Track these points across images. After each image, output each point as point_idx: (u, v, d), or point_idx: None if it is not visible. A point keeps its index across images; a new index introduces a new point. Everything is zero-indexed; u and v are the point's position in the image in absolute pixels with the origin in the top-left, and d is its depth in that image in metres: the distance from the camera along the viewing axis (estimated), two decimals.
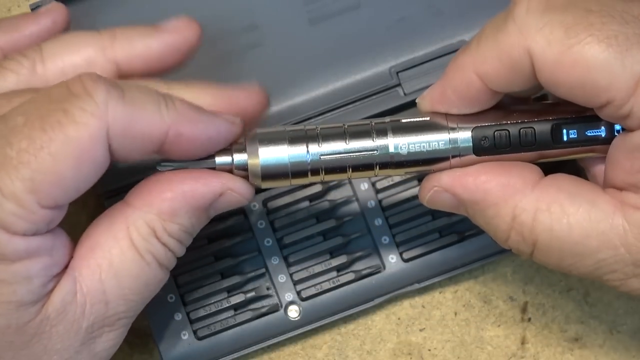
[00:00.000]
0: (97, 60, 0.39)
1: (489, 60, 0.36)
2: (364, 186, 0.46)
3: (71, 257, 0.37)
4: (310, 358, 0.46)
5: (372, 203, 0.46)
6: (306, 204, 0.46)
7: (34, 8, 0.46)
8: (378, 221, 0.46)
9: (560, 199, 0.36)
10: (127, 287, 0.37)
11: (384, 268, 0.46)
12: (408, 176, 0.45)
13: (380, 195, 0.46)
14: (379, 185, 0.46)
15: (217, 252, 0.45)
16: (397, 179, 0.46)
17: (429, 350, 0.46)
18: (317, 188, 0.46)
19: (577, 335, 0.46)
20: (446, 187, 0.38)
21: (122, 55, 0.40)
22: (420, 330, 0.46)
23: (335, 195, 0.46)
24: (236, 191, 0.38)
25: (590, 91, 0.34)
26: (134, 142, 0.36)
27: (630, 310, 0.46)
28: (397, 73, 0.47)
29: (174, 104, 0.37)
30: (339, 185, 0.46)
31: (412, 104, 0.46)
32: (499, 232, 0.37)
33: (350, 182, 0.46)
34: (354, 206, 0.46)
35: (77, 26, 0.46)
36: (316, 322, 0.45)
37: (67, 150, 0.34)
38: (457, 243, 0.46)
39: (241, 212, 0.46)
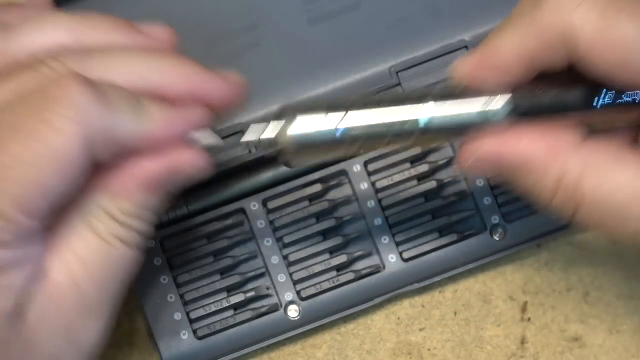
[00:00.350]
0: (66, 42, 0.38)
1: (527, 38, 0.36)
2: (364, 186, 0.46)
3: None
4: (310, 358, 0.46)
5: (372, 203, 0.46)
6: (306, 204, 0.46)
7: None
8: (378, 221, 0.46)
9: (607, 161, 0.36)
10: (98, 276, 0.36)
11: (384, 268, 0.46)
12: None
13: (380, 195, 0.46)
14: (378, 185, 0.46)
15: (217, 252, 0.45)
16: (397, 178, 0.46)
17: (429, 350, 0.46)
18: (317, 188, 0.46)
19: (577, 335, 0.46)
20: (489, 153, 0.37)
21: (89, 41, 0.38)
22: (420, 330, 0.46)
23: (335, 195, 0.46)
24: (186, 165, 0.37)
25: (626, 69, 0.34)
26: (114, 145, 0.36)
27: (630, 310, 0.46)
28: (397, 73, 0.47)
29: (153, 112, 0.36)
30: (339, 185, 0.46)
31: None
32: (544, 193, 0.36)
33: (350, 182, 0.46)
34: (354, 206, 0.46)
35: None
36: (316, 322, 0.45)
37: (47, 159, 0.34)
38: (457, 243, 0.46)
39: (241, 211, 0.46)
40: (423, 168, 0.46)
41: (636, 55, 0.34)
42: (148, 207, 0.37)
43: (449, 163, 0.46)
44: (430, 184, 0.46)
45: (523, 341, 0.46)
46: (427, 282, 0.46)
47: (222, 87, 0.39)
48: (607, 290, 0.46)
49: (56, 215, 0.36)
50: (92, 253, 0.36)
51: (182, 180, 0.38)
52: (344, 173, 0.46)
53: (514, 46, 0.36)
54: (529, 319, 0.46)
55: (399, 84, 0.47)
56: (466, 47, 0.47)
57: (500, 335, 0.46)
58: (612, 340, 0.46)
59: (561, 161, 0.36)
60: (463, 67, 0.38)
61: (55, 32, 0.38)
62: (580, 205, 0.36)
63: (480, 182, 0.46)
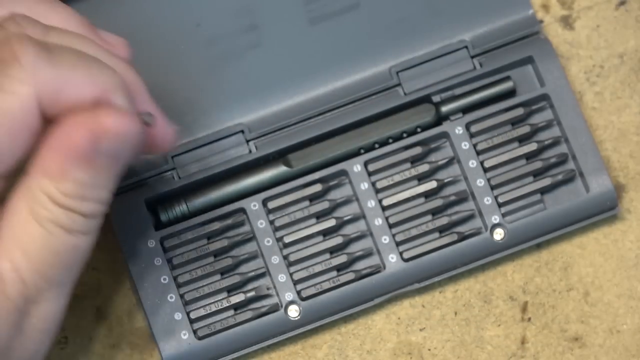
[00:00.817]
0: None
1: None
2: (364, 186, 0.46)
3: None
4: (310, 358, 0.46)
5: (372, 203, 0.46)
6: (306, 203, 0.46)
7: None
8: (378, 221, 0.46)
9: None
10: (38, 262, 0.35)
11: (384, 268, 0.46)
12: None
13: (380, 195, 0.46)
14: (379, 185, 0.46)
15: (216, 252, 0.45)
16: (397, 178, 0.46)
17: (429, 350, 0.46)
18: (317, 188, 0.46)
19: (577, 335, 0.46)
20: None
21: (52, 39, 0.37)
22: (420, 329, 0.46)
23: (335, 195, 0.46)
24: (116, 129, 0.34)
25: None
26: (66, 106, 0.34)
27: (630, 310, 0.46)
28: (397, 73, 0.47)
29: (108, 67, 0.35)
30: (339, 185, 0.46)
31: (412, 104, 0.47)
32: None
33: (350, 182, 0.46)
34: (354, 206, 0.46)
35: None
36: (316, 322, 0.45)
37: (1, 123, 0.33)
38: (457, 243, 0.46)
39: (241, 211, 0.46)
40: (423, 168, 0.46)
41: None
42: (90, 184, 0.34)
43: (449, 163, 0.46)
44: (430, 184, 0.46)
45: (523, 341, 0.46)
46: (427, 282, 0.46)
47: (162, 129, 0.38)
48: (607, 290, 0.46)
49: (6, 185, 0.35)
50: (29, 239, 0.34)
51: (114, 147, 0.34)
52: (344, 173, 0.46)
53: None
54: (529, 319, 0.46)
55: (399, 84, 0.47)
56: (466, 46, 0.47)
57: (500, 335, 0.46)
58: (612, 340, 0.46)
59: None
60: None
61: (16, 8, 0.37)
62: None
63: (480, 182, 0.46)
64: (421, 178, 0.46)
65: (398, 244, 0.46)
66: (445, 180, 0.46)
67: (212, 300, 0.45)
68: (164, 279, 0.45)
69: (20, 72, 0.33)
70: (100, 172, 0.35)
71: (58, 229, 0.34)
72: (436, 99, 0.47)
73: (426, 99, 0.47)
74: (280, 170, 0.46)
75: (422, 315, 0.46)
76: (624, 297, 0.46)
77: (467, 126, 0.46)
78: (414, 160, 0.46)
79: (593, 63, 0.48)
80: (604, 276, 0.47)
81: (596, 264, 0.47)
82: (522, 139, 0.46)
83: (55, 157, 0.34)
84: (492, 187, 0.46)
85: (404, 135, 0.46)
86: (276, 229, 0.46)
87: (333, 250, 0.46)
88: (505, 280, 0.46)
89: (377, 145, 0.46)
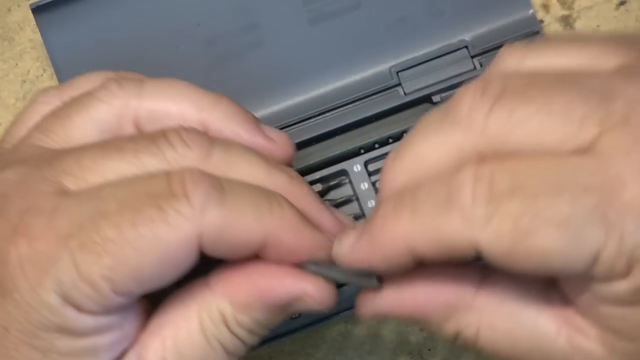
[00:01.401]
0: (190, 117, 0.38)
1: (425, 241, 0.33)
2: (364, 186, 0.46)
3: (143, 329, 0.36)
4: (310, 358, 0.46)
5: (372, 203, 0.46)
6: None
7: (35, 8, 0.46)
8: None
9: (502, 314, 0.35)
10: None
11: None
12: None
13: None
14: (379, 185, 0.46)
15: None
16: None
17: (429, 350, 0.46)
18: (317, 188, 0.46)
19: None
20: (385, 308, 0.36)
21: (213, 126, 0.38)
22: (420, 329, 0.46)
23: (335, 195, 0.46)
24: (313, 297, 0.36)
25: (547, 273, 0.32)
26: (227, 247, 0.35)
27: None
28: (397, 73, 0.47)
29: (282, 210, 0.35)
30: (339, 185, 0.46)
31: (412, 104, 0.47)
32: (447, 336, 0.36)
33: (350, 182, 0.46)
34: (354, 206, 0.46)
35: (77, 26, 0.47)
36: (316, 322, 0.45)
37: (153, 250, 0.33)
38: None
39: None
40: None
41: (552, 261, 0.31)
42: (264, 325, 0.36)
43: None
44: None
45: None
46: None
47: (336, 227, 0.38)
48: None
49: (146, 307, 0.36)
50: (191, 348, 0.35)
51: (303, 309, 0.37)
52: (344, 173, 0.46)
53: (406, 242, 0.33)
54: None
55: (399, 84, 0.47)
56: (466, 46, 0.47)
57: None
58: None
59: (456, 318, 0.35)
60: (347, 251, 0.36)
61: (183, 103, 0.38)
62: (479, 350, 0.36)
63: None
64: None
65: None
66: None
67: None
68: None
69: (187, 210, 0.33)
70: (278, 319, 0.37)
71: (220, 347, 0.36)
72: (436, 99, 0.47)
73: (426, 99, 0.47)
74: None
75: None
76: None
77: None
78: None
79: None
80: None
81: None
82: None
83: (250, 291, 0.35)
84: None
85: (404, 135, 0.46)
86: None
87: None
88: None
89: (377, 145, 0.46)
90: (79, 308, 0.33)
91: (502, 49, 0.35)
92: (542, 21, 0.49)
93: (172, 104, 0.38)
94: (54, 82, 0.50)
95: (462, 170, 0.32)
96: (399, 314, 0.36)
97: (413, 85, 0.47)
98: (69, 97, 0.40)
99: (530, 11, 0.47)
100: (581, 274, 0.31)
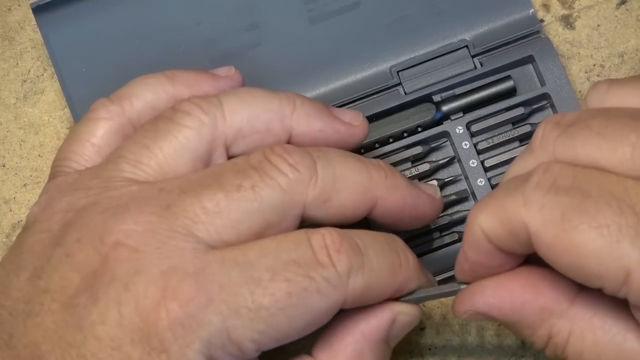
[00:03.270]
0: (274, 127, 0.39)
1: (491, 219, 0.35)
2: None
3: None
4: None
5: None
6: None
7: (35, 8, 0.46)
8: None
9: (593, 326, 0.36)
10: None
11: None
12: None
13: None
14: None
15: None
16: None
17: (429, 349, 0.46)
18: None
19: None
20: (482, 311, 0.37)
21: (297, 129, 0.39)
22: (421, 329, 0.46)
23: None
24: (405, 312, 0.39)
25: (582, 275, 0.33)
26: (364, 303, 0.37)
27: None
28: (398, 72, 0.47)
29: (408, 262, 0.38)
30: None
31: (412, 104, 0.46)
32: (536, 345, 0.37)
33: None
34: None
35: (78, 25, 0.47)
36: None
37: (304, 316, 0.35)
38: (458, 242, 0.46)
39: None
40: (424, 167, 0.46)
41: (587, 261, 0.33)
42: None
43: (449, 162, 0.46)
44: (431, 184, 0.46)
45: (523, 341, 0.46)
46: None
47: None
48: None
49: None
50: None
51: (401, 331, 0.39)
52: None
53: (479, 222, 0.36)
54: None
55: (400, 83, 0.47)
56: (466, 46, 0.47)
57: (500, 335, 0.46)
58: None
59: (550, 323, 0.36)
60: (458, 271, 0.38)
61: (265, 115, 0.39)
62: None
63: (481, 182, 0.46)
64: (422, 177, 0.46)
65: None
66: (446, 180, 0.46)
67: None
68: None
69: (335, 279, 0.35)
70: (387, 355, 0.39)
71: None
72: (437, 98, 0.47)
73: (427, 99, 0.47)
74: None
75: (422, 314, 0.46)
76: None
77: (468, 125, 0.46)
78: (415, 160, 0.46)
79: (594, 62, 0.48)
80: None
81: None
82: (523, 139, 0.46)
83: (356, 342, 0.38)
84: (493, 187, 0.46)
85: (405, 134, 0.46)
86: None
87: None
88: None
89: (377, 145, 0.46)
90: None
91: (591, 87, 0.37)
92: (542, 20, 0.49)
93: (256, 119, 0.39)
94: (54, 81, 0.49)
95: (538, 166, 0.34)
96: (496, 314, 0.37)
97: (413, 84, 0.47)
98: (136, 113, 0.40)
99: (531, 11, 0.47)
100: (616, 290, 0.33)
